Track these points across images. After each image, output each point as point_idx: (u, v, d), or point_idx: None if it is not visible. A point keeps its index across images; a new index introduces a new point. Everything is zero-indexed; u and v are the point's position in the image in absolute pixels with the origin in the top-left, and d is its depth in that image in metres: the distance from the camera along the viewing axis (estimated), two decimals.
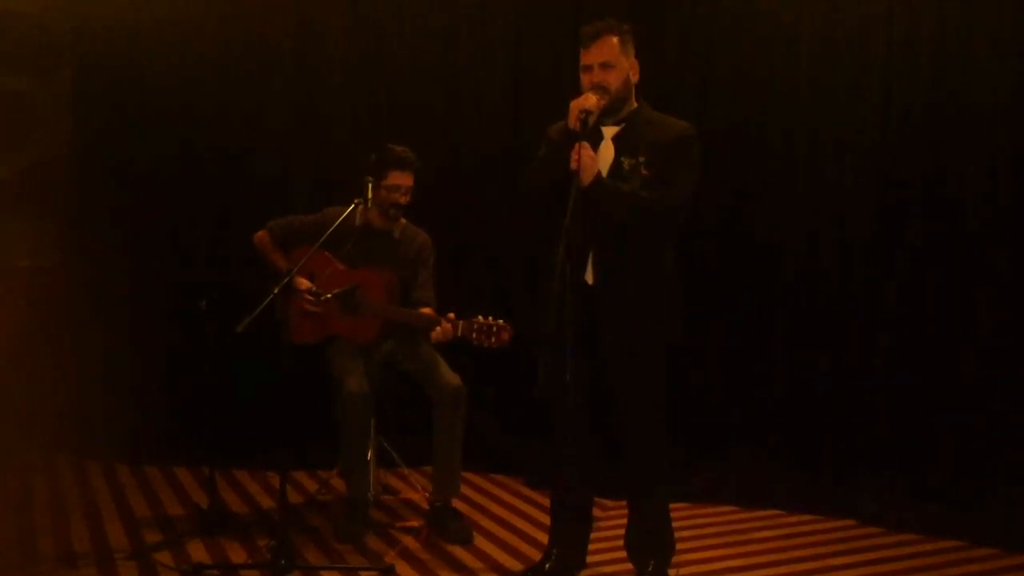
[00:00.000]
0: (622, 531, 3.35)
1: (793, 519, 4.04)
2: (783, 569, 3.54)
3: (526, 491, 4.38)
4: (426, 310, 3.74)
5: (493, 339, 3.45)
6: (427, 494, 4.03)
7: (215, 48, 4.66)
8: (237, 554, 3.56)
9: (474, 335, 3.47)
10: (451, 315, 3.56)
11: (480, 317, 3.48)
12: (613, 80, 3.08)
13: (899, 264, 4.02)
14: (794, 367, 4.23)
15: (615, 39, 3.10)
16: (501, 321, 3.47)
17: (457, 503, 3.95)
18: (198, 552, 3.58)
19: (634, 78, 3.16)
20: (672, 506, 3.43)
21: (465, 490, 4.19)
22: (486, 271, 4.65)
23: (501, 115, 4.66)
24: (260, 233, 4.02)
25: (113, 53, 4.68)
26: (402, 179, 3.86)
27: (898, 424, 4.03)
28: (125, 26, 4.63)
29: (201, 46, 4.65)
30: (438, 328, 3.55)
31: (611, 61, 3.08)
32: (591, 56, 3.11)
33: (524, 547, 3.71)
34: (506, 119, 4.64)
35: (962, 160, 3.91)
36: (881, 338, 4.07)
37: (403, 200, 3.89)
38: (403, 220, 4.01)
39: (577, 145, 2.95)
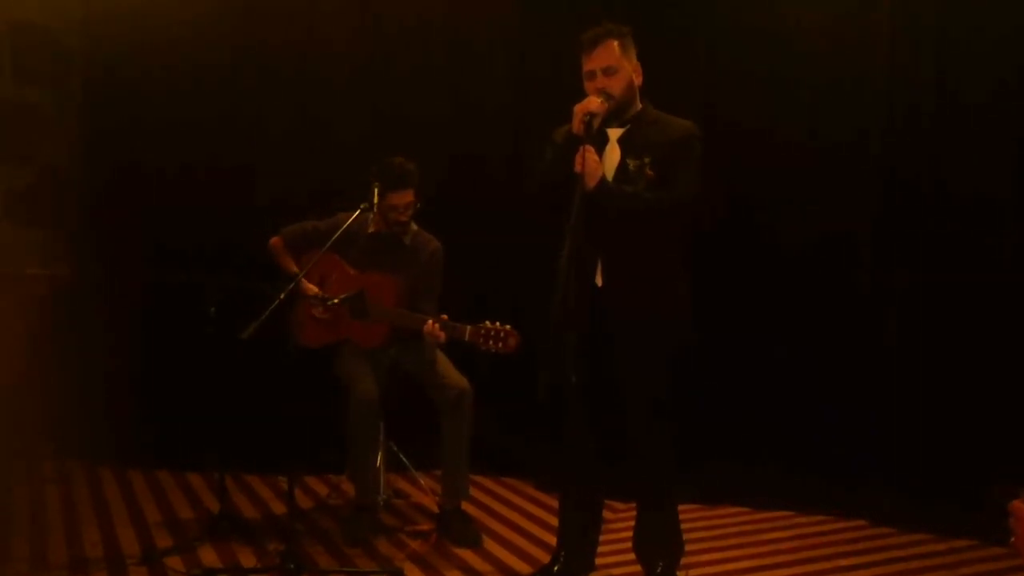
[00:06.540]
0: (631, 533, 3.35)
1: (804, 520, 4.02)
2: (794, 570, 3.53)
3: (535, 493, 4.38)
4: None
5: (500, 344, 3.46)
6: (436, 497, 4.04)
7: (220, 57, 4.69)
8: (248, 558, 3.57)
9: (481, 340, 3.48)
10: (443, 316, 3.57)
11: (487, 323, 3.49)
12: (617, 84, 3.07)
13: (907, 263, 4.00)
14: (805, 367, 4.20)
15: (615, 43, 3.09)
16: (508, 327, 3.47)
17: (466, 506, 3.96)
18: (209, 557, 3.60)
19: (637, 80, 3.15)
20: (683, 507, 3.42)
21: (475, 493, 4.20)
22: (490, 275, 4.63)
23: (504, 120, 4.65)
24: (274, 239, 4.06)
25: (120, 63, 4.71)
26: (399, 198, 3.84)
27: (910, 423, 4.00)
28: (132, 37, 4.66)
29: (206, 56, 4.68)
30: (426, 327, 3.56)
31: (614, 65, 3.08)
32: (593, 61, 3.10)
33: (533, 550, 3.71)
34: (509, 124, 4.63)
35: (966, 160, 3.88)
36: (891, 337, 4.04)
37: (403, 217, 3.89)
38: (414, 226, 4.02)
39: (581, 149, 2.94)
